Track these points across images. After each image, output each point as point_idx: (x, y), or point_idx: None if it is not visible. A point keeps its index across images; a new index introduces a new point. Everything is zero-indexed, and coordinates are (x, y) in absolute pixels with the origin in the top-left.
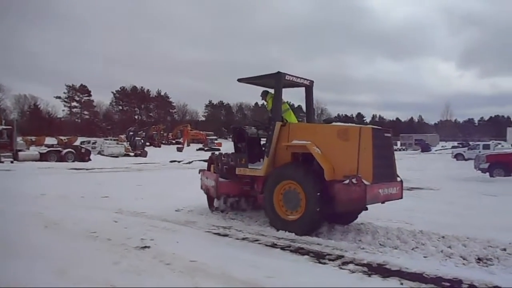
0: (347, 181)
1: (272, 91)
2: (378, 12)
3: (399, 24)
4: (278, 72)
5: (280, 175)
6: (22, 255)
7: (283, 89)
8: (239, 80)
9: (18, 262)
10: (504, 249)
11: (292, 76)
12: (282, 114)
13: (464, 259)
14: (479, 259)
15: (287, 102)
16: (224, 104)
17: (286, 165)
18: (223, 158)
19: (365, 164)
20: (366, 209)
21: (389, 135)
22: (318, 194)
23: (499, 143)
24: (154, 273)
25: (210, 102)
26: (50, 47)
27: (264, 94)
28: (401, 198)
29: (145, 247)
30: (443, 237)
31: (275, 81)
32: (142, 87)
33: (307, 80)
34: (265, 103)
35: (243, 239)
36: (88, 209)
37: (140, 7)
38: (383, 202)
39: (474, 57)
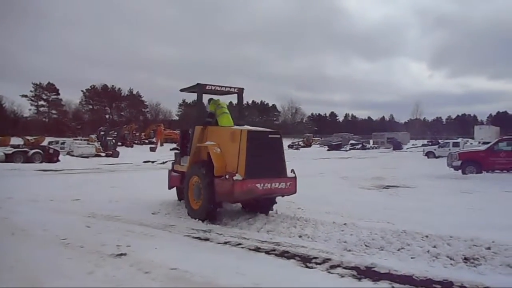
0: (222, 177)
1: (216, 97)
2: (354, 13)
3: (374, 25)
4: (198, 84)
5: (191, 171)
6: None
7: (225, 96)
8: (181, 90)
9: None
10: (489, 248)
11: (214, 86)
12: (217, 117)
13: (451, 259)
14: (466, 259)
15: (223, 104)
16: None
17: (193, 163)
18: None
19: (241, 161)
20: (275, 202)
21: (276, 136)
22: (209, 187)
23: (467, 141)
24: (132, 283)
25: (184, 101)
26: (14, 42)
27: (208, 101)
28: (295, 192)
29: (122, 254)
30: (426, 236)
31: (197, 91)
32: (113, 85)
33: (235, 88)
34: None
35: (225, 243)
36: (58, 214)
37: (111, 2)
38: (282, 196)
39: (444, 57)
